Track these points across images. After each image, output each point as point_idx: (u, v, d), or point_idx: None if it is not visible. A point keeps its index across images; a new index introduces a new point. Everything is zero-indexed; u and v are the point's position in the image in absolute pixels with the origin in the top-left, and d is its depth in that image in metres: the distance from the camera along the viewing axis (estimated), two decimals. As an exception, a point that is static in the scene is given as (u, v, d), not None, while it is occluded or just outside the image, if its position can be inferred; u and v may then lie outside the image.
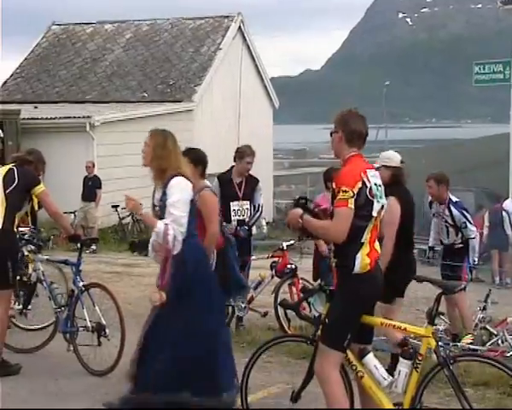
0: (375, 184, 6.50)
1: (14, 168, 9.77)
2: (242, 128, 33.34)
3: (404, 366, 6.48)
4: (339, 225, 6.34)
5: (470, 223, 11.50)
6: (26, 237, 10.95)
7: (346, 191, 6.26)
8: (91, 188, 22.82)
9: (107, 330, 9.68)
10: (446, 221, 11.67)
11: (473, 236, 11.44)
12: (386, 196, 9.28)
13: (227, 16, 36.77)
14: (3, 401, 8.14)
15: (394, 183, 9.31)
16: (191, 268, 7.61)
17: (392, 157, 9.59)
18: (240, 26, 36.27)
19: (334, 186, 6.48)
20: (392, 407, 6.52)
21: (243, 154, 11.90)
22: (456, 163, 33.11)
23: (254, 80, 37.59)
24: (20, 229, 10.56)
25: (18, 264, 9.96)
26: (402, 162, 9.61)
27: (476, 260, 11.56)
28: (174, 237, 7.44)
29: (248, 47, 37.07)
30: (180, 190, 7.63)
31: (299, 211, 6.64)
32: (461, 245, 11.49)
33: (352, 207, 6.29)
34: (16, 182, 9.63)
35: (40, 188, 9.75)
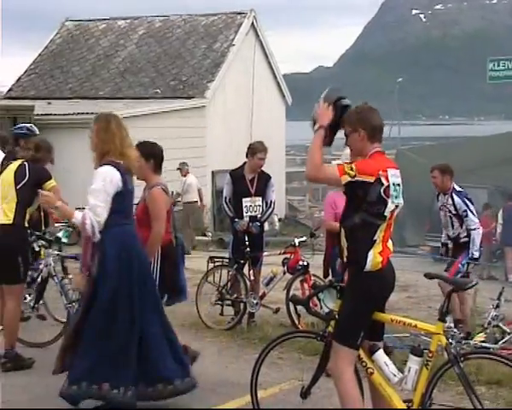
0: (394, 184, 6.41)
1: (26, 164, 9.83)
2: (255, 125, 33.34)
3: (414, 362, 6.47)
4: (318, 173, 6.38)
5: (472, 213, 11.48)
6: (58, 233, 11.03)
7: (352, 169, 6.20)
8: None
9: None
10: (450, 211, 11.70)
11: (473, 227, 11.41)
12: None
13: (240, 13, 36.75)
14: (16, 395, 8.18)
15: None
16: (110, 258, 7.66)
17: None
18: (253, 23, 36.25)
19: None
20: (402, 404, 6.51)
21: (255, 150, 11.92)
22: (470, 160, 32.98)
23: (267, 77, 37.57)
24: (56, 224, 10.65)
25: (29, 259, 10.06)
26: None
27: (476, 254, 11.41)
28: (92, 226, 7.52)
29: (261, 43, 37.04)
30: (103, 180, 7.67)
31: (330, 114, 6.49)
32: (466, 238, 11.48)
33: (343, 181, 6.26)
34: (27, 177, 9.70)
35: (51, 183, 9.82)
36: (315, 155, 6.30)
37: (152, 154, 8.79)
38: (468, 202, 11.48)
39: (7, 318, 9.60)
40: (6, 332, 9.59)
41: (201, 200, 25.22)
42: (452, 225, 11.60)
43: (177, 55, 35.43)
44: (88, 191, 7.68)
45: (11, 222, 9.61)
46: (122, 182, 7.73)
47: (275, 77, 38.53)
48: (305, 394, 6.91)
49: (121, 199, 7.77)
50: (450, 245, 12.05)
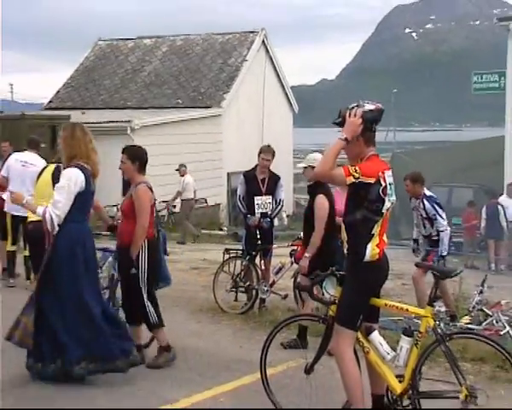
0: (390, 184, 6.41)
1: (61, 166, 9.90)
2: (265, 131, 33.34)
3: (405, 342, 6.48)
4: (327, 174, 6.34)
5: (441, 217, 11.45)
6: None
7: (356, 171, 6.18)
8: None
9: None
10: (421, 214, 11.72)
11: (442, 229, 11.39)
12: (313, 193, 9.39)
13: (252, 31, 36.79)
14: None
15: (319, 181, 9.31)
16: (60, 250, 7.80)
17: (318, 158, 9.45)
18: (263, 40, 36.30)
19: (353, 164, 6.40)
20: (395, 379, 6.52)
21: (260, 151, 12.02)
22: (457, 163, 32.95)
23: (276, 88, 37.58)
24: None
25: None
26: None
27: (445, 252, 11.38)
28: (51, 219, 7.68)
29: (271, 58, 37.08)
30: (68, 179, 7.82)
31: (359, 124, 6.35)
32: (437, 237, 11.51)
33: (347, 182, 6.22)
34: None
35: None
36: (329, 158, 6.25)
37: (137, 156, 8.75)
38: (437, 206, 11.49)
39: None
40: None
41: (195, 197, 25.12)
42: (424, 226, 11.66)
43: (196, 70, 35.48)
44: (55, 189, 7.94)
45: None
46: (85, 183, 7.87)
47: (283, 88, 38.53)
48: (308, 370, 6.91)
49: (83, 198, 7.93)
50: (421, 241, 12.12)
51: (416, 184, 11.55)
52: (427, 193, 11.71)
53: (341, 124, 6.46)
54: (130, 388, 7.97)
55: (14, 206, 13.04)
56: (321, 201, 9.48)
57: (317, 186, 9.56)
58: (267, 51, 36.78)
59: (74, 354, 7.77)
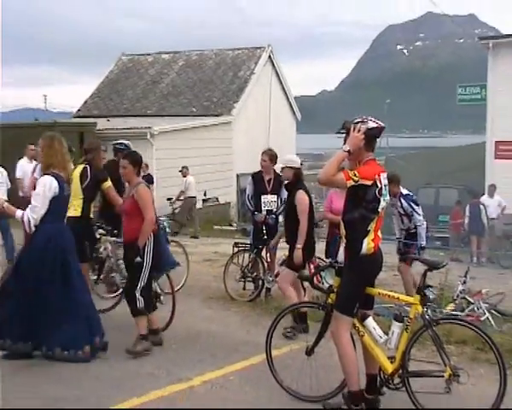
0: (385, 185, 6.44)
1: (88, 166, 10.00)
2: (271, 136, 33.31)
3: (396, 327, 6.50)
4: (330, 179, 6.31)
5: (417, 213, 11.38)
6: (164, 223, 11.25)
7: (356, 175, 6.19)
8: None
9: (161, 298, 9.76)
10: (399, 211, 11.68)
11: (418, 224, 11.35)
12: (293, 190, 9.37)
13: (259, 47, 36.80)
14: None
15: (297, 180, 9.52)
16: (35, 246, 7.97)
17: (295, 160, 9.64)
18: (269, 55, 36.32)
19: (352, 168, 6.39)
20: (386, 360, 6.54)
21: (262, 153, 12.02)
22: (443, 166, 32.97)
23: (281, 98, 37.58)
24: (161, 218, 10.75)
25: (94, 242, 10.19)
26: (301, 164, 9.73)
27: (423, 243, 11.37)
28: (28, 222, 7.87)
29: (276, 71, 37.09)
30: (43, 186, 7.93)
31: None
32: (414, 230, 11.44)
33: (348, 185, 6.23)
34: (89, 178, 9.85)
35: (107, 184, 10.04)
36: (333, 165, 6.24)
37: (137, 161, 8.64)
38: (413, 204, 11.39)
39: None
40: None
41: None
42: (402, 222, 11.53)
43: (209, 82, 35.48)
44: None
45: (79, 215, 9.87)
46: (59, 189, 7.97)
47: (287, 98, 38.53)
48: (309, 352, 6.95)
49: (57, 202, 8.02)
50: (403, 239, 12.03)
51: (392, 184, 11.33)
52: (404, 192, 11.65)
53: (346, 135, 6.47)
54: (150, 366, 8.00)
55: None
56: (302, 196, 9.42)
57: (295, 184, 9.54)
58: (273, 65, 36.80)
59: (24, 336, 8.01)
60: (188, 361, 8.20)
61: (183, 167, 24.20)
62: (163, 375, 7.68)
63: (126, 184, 9.06)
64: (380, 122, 6.52)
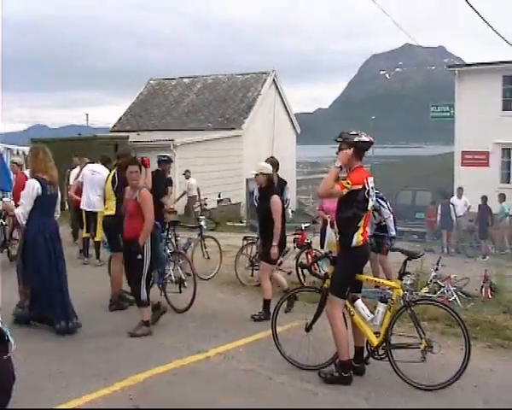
0: (372, 188, 6.46)
1: (116, 172, 10.08)
2: (275, 147, 33.25)
3: (381, 307, 6.57)
4: (329, 192, 6.33)
5: (384, 208, 10.91)
6: (201, 222, 11.73)
7: (348, 183, 6.23)
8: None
9: (185, 283, 9.76)
10: None
11: (386, 217, 10.89)
12: (267, 194, 9.15)
13: (265, 72, 36.80)
14: (118, 325, 8.20)
15: (270, 185, 9.34)
16: (27, 239, 8.09)
17: (268, 167, 9.45)
18: (273, 79, 36.32)
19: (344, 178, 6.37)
20: (373, 334, 6.57)
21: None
22: (419, 172, 33.02)
23: (283, 115, 37.54)
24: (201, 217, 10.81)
25: None
26: (272, 171, 9.51)
27: (393, 233, 10.97)
28: (19, 217, 8.13)
29: (279, 92, 37.08)
30: (28, 187, 8.10)
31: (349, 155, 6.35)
32: (384, 223, 11.04)
33: (344, 193, 6.25)
34: (118, 181, 9.89)
35: None
36: (330, 181, 6.27)
37: (140, 168, 8.51)
38: (380, 200, 10.78)
39: (114, 276, 9.87)
40: (114, 285, 9.82)
41: (199, 195, 24.62)
42: (374, 217, 11.11)
43: (222, 101, 35.48)
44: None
45: (114, 213, 9.97)
46: (42, 189, 8.08)
47: (288, 115, 38.49)
48: (308, 328, 6.97)
49: (42, 201, 8.11)
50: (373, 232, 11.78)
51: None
52: None
53: (340, 143, 6.46)
54: (173, 340, 8.01)
55: (88, 204, 13.26)
56: (276, 200, 9.19)
57: (269, 188, 9.31)
58: (276, 87, 36.79)
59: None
60: (204, 336, 8.20)
61: (186, 171, 23.90)
62: (184, 348, 7.68)
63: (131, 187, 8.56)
64: (370, 138, 6.54)
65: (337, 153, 6.49)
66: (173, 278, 9.85)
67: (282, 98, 37.44)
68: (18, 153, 21.98)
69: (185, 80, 39.45)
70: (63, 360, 7.23)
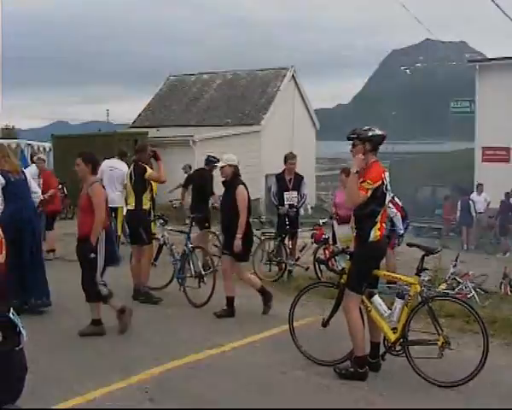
0: (389, 182, 6.50)
1: (132, 167, 10.18)
2: (294, 143, 33.14)
3: (398, 303, 6.53)
4: (356, 200, 6.31)
5: (389, 207, 10.45)
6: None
7: (370, 183, 6.23)
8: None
9: (204, 278, 9.79)
10: None
11: (392, 215, 10.61)
12: (232, 186, 8.99)
13: (284, 68, 36.65)
14: (149, 318, 8.26)
15: (235, 176, 9.12)
16: (4, 222, 7.79)
17: (234, 158, 9.23)
18: (293, 74, 36.15)
19: (361, 176, 6.36)
20: (390, 330, 6.54)
21: (287, 158, 12.09)
22: (439, 168, 32.86)
23: (302, 111, 37.39)
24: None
25: (149, 229, 10.20)
26: (238, 162, 9.28)
27: (401, 232, 10.83)
28: None
29: (298, 88, 36.93)
30: None
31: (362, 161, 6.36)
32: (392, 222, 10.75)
33: (369, 195, 6.26)
34: (135, 176, 9.99)
35: (148, 172, 10.05)
36: (354, 194, 6.32)
37: (90, 160, 8.01)
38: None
39: (142, 266, 9.98)
40: (142, 276, 9.95)
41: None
42: None
43: (241, 97, 35.44)
44: None
45: (134, 208, 10.06)
46: (5, 179, 8.56)
47: (308, 110, 38.33)
48: (325, 324, 6.95)
49: (10, 188, 8.59)
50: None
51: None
52: None
53: (354, 139, 6.48)
54: (187, 334, 8.10)
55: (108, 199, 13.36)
56: (242, 191, 8.98)
57: (234, 180, 9.07)
58: (295, 82, 36.64)
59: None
60: (221, 331, 8.24)
61: (184, 166, 23.34)
62: (200, 342, 7.71)
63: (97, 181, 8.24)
64: (384, 132, 6.55)
65: (351, 150, 6.53)
66: (193, 273, 9.89)
67: (301, 94, 37.31)
68: (39, 149, 22.14)
69: (204, 76, 39.45)
70: (82, 351, 7.30)
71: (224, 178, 9.27)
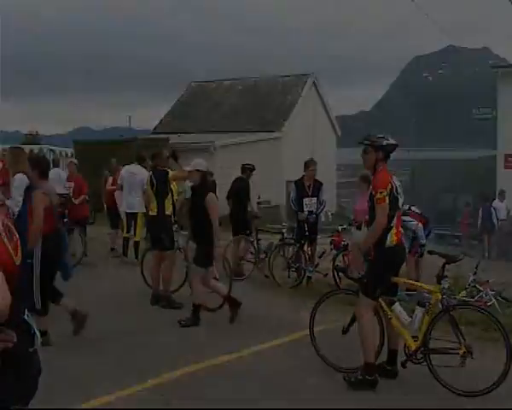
0: (399, 185, 6.44)
1: (152, 173, 10.22)
2: (315, 149, 33.10)
3: (419, 311, 6.50)
4: (382, 217, 6.24)
5: (405, 222, 9.76)
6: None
7: (382, 192, 6.18)
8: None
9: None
10: None
11: (413, 228, 10.38)
12: (201, 192, 8.81)
13: (305, 74, 36.73)
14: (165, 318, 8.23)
15: (204, 182, 9.01)
16: None
17: (203, 164, 9.13)
18: (314, 81, 36.20)
19: (371, 189, 6.37)
20: (411, 338, 6.49)
21: (308, 165, 12.03)
22: (461, 175, 32.64)
23: (323, 117, 37.39)
24: None
25: (171, 235, 10.22)
26: (207, 168, 9.21)
27: (423, 242, 10.60)
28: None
29: (319, 94, 36.96)
30: None
31: (360, 258, 6.51)
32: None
33: (387, 201, 6.21)
34: (156, 182, 10.02)
35: (171, 172, 10.26)
36: (371, 234, 6.35)
37: (36, 164, 7.66)
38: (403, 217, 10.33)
39: (165, 272, 10.06)
40: (164, 281, 10.07)
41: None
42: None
43: (263, 103, 35.47)
44: None
45: (156, 214, 10.15)
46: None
47: (329, 117, 38.32)
48: (344, 331, 6.91)
49: None
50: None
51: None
52: None
53: (367, 146, 6.46)
54: (204, 339, 8.13)
55: (128, 205, 13.46)
56: (212, 197, 8.85)
57: (203, 186, 8.94)
58: (317, 89, 36.68)
59: None
60: (238, 336, 8.22)
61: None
62: (217, 346, 7.69)
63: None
64: (395, 141, 6.54)
65: (362, 155, 6.49)
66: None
67: (322, 100, 37.29)
68: (61, 154, 22.32)
69: (226, 83, 39.58)
70: (100, 354, 7.32)
71: (191, 184, 9.28)
